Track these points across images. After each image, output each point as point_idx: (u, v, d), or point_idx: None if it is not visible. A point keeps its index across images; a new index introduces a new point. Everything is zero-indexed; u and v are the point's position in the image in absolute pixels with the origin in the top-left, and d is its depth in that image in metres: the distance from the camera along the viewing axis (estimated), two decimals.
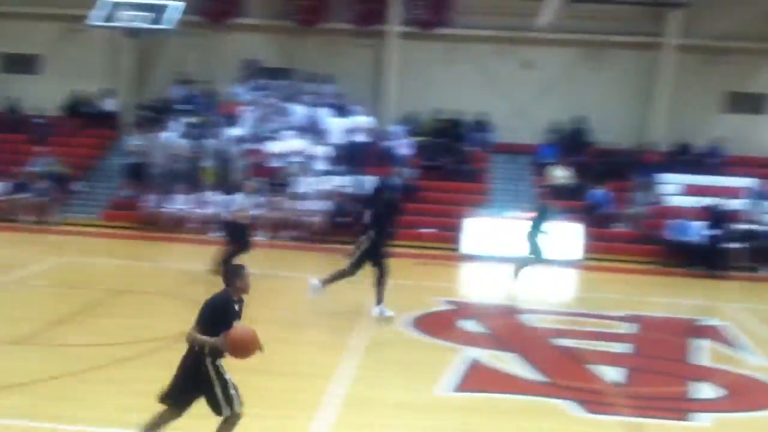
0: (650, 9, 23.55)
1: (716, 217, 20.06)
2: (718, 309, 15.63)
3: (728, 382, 10.38)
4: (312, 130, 22.51)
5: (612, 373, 10.43)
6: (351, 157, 21.89)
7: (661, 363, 11.49)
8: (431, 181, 22.08)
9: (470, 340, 11.80)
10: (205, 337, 6.18)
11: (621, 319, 13.80)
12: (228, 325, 6.18)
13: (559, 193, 21.68)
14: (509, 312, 14.01)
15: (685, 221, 20.02)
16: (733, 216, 20.37)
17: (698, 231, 19.83)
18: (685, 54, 23.53)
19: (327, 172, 21.33)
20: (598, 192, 21.31)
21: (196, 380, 6.32)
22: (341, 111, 23.17)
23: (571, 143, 23.46)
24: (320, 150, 21.91)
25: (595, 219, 20.63)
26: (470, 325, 12.77)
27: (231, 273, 6.52)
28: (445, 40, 24.62)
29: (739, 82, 23.94)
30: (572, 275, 18.75)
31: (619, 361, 11.14)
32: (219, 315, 6.26)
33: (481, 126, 24.02)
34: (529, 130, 23.87)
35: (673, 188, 22.15)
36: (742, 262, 19.63)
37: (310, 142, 22.05)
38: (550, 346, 11.94)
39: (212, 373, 6.30)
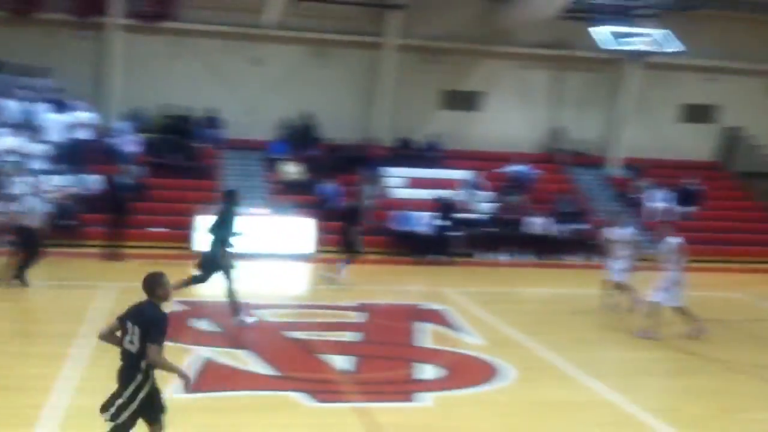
0: (372, 10, 24.46)
1: (445, 208, 21.37)
2: (440, 294, 16.63)
3: (449, 362, 11.07)
4: (28, 127, 21.01)
5: (342, 362, 10.76)
6: (72, 155, 20.72)
7: (387, 348, 12.04)
8: (160, 179, 21.45)
9: (203, 339, 11.66)
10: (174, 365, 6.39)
11: (351, 308, 14.28)
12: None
13: (291, 188, 22.00)
14: (240, 309, 13.97)
15: (410, 212, 21.12)
16: (456, 206, 21.80)
17: (422, 221, 21.01)
18: (405, 54, 24.69)
19: (46, 172, 20.01)
20: (328, 186, 21.86)
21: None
22: (60, 107, 21.83)
23: (300, 139, 23.85)
24: (37, 148, 20.52)
25: (326, 213, 21.14)
26: (203, 325, 12.61)
27: (152, 282, 6.29)
28: (171, 34, 23.96)
29: (454, 81, 25.55)
30: (305, 269, 19.08)
31: (348, 350, 11.51)
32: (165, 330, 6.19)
33: (211, 122, 23.72)
34: (260, 126, 23.93)
35: (397, 181, 23.28)
36: (461, 249, 21.08)
37: (25, 140, 20.57)
38: (281, 340, 12.09)
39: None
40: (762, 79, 26.77)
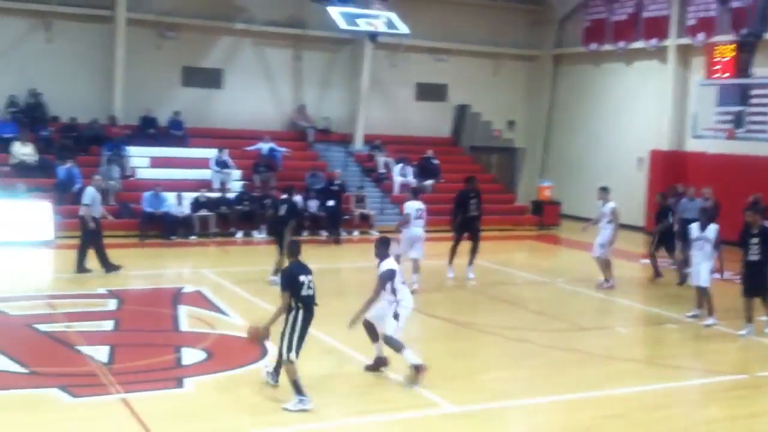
0: None
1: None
2: (195, 275, 16.30)
3: (210, 345, 10.91)
4: None
5: (99, 353, 10.25)
6: None
7: (145, 335, 11.63)
8: None
9: None
10: None
11: (104, 296, 13.60)
12: None
13: (23, 170, 20.44)
14: None
15: (158, 193, 20.42)
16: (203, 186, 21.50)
17: (171, 202, 20.42)
18: (138, 28, 23.55)
19: None
20: (65, 167, 20.55)
21: None
22: None
23: (31, 118, 22.18)
24: None
25: (66, 196, 19.89)
26: None
27: None
28: None
29: (194, 58, 24.90)
30: (46, 256, 17.84)
31: (105, 340, 11.00)
32: None
33: None
34: None
35: (141, 161, 22.39)
36: (213, 229, 20.77)
37: None
38: (29, 334, 11.26)
39: None
40: (486, 60, 28.73)
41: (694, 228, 13.23)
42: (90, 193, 15.51)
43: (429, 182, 24.72)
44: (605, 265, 16.04)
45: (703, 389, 10.37)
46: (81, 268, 15.25)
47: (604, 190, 16.49)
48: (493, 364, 10.89)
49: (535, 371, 10.60)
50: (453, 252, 16.53)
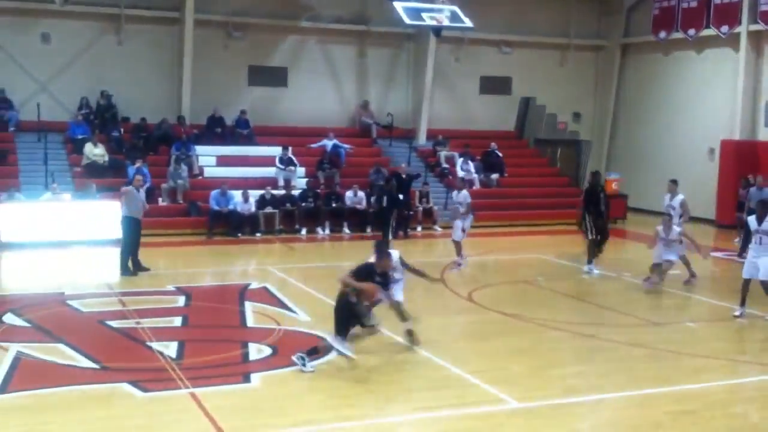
0: None
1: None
2: (262, 272, 16.50)
3: (275, 341, 11.02)
4: None
5: (168, 348, 10.46)
6: None
7: (212, 331, 11.83)
8: None
9: (12, 335, 10.94)
10: None
11: (173, 293, 13.88)
12: None
13: (96, 171, 20.98)
14: (53, 300, 13.24)
15: (225, 191, 20.75)
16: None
17: (239, 199, 20.72)
18: (206, 29, 24.02)
19: None
20: (135, 167, 21.00)
21: None
22: None
23: (102, 119, 22.77)
24: None
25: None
26: (11, 319, 11.83)
27: None
28: None
29: (260, 56, 25.24)
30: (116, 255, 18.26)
31: (174, 335, 11.22)
32: None
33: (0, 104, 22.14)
34: (58, 107, 22.65)
35: (208, 160, 22.77)
36: (278, 226, 21.01)
37: None
38: (100, 330, 11.56)
39: None
40: (551, 52, 28.39)
41: (752, 220, 12.81)
42: (130, 195, 15.42)
43: (494, 176, 24.58)
44: (685, 260, 15.60)
45: None
46: (128, 269, 15.38)
47: (673, 182, 16.13)
48: (559, 360, 10.75)
49: (602, 367, 10.44)
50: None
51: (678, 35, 25.94)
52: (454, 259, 16.61)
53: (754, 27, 23.65)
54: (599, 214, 16.51)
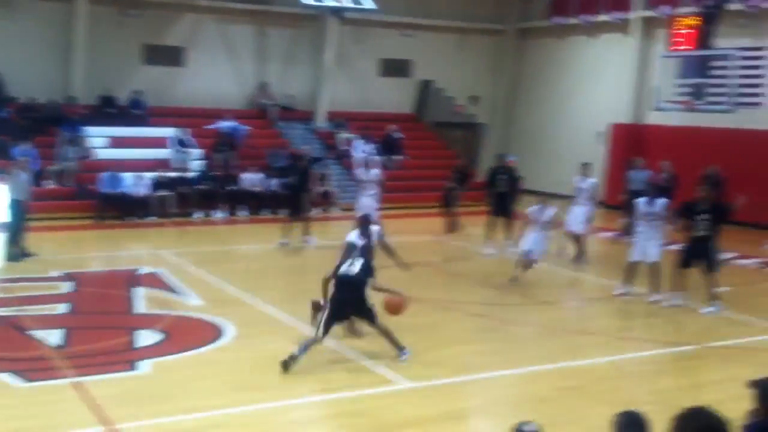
0: None
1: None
2: (155, 256, 16.14)
3: (167, 326, 10.81)
4: None
5: (52, 336, 10.14)
6: None
7: (102, 318, 11.53)
8: None
9: None
10: None
11: (59, 279, 13.44)
12: None
13: None
14: None
15: (116, 173, 20.19)
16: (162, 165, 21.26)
17: (131, 182, 20.19)
18: (99, 6, 23.27)
19: None
20: (23, 148, 20.20)
21: None
22: None
23: None
24: None
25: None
26: None
27: None
28: None
29: (155, 35, 24.58)
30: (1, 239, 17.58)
31: (59, 323, 10.88)
32: None
33: None
34: None
35: (100, 141, 22.10)
36: (172, 209, 20.57)
37: None
38: None
39: None
40: (451, 35, 28.64)
41: (642, 202, 13.22)
42: (14, 177, 14.89)
43: (396, 158, 24.73)
44: (582, 241, 16.07)
45: (654, 360, 10.50)
46: (15, 254, 14.82)
47: (586, 165, 16.50)
48: (451, 339, 10.91)
49: (492, 346, 10.68)
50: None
51: (573, 20, 26.55)
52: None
53: (645, 13, 24.41)
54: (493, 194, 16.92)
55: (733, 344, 10.88)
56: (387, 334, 9.58)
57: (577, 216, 15.98)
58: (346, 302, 9.45)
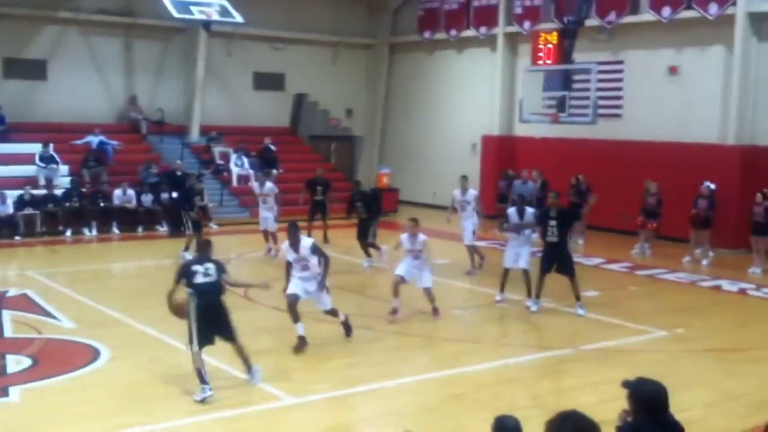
0: None
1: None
2: (20, 277, 15.42)
3: (35, 351, 10.34)
4: None
5: None
6: None
7: None
8: None
9: None
10: None
11: None
12: None
13: None
14: None
15: None
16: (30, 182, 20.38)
17: None
18: None
19: None
20: None
21: None
22: None
23: None
24: None
25: None
26: None
27: None
28: None
29: (15, 48, 23.52)
30: None
31: None
32: None
33: None
34: None
35: None
36: (40, 228, 19.71)
37: None
38: None
39: None
40: (323, 49, 28.72)
41: (512, 212, 13.71)
42: None
43: (274, 171, 24.56)
44: (474, 251, 16.39)
45: (534, 365, 10.81)
46: None
47: (465, 178, 16.80)
48: (335, 353, 10.88)
49: (376, 357, 10.71)
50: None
51: (441, 35, 27.12)
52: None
53: (509, 29, 25.18)
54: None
55: (606, 347, 11.32)
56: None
57: (465, 229, 16.26)
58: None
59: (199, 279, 8.99)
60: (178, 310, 9.17)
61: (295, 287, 10.70)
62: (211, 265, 9.15)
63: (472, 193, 16.58)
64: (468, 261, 16.47)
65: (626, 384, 4.86)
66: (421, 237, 12.39)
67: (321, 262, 10.70)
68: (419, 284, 12.57)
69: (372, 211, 17.31)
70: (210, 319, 8.93)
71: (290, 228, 10.82)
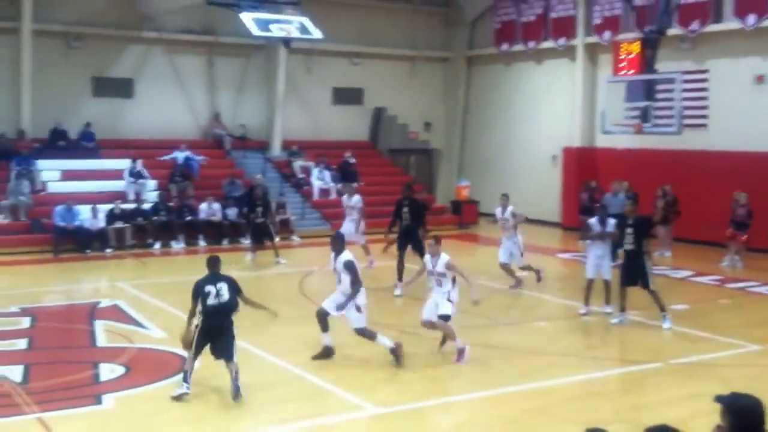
0: None
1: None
2: (113, 289, 15.92)
3: (128, 360, 10.66)
4: None
5: (12, 372, 9.92)
6: None
7: (62, 352, 11.32)
8: None
9: None
10: None
11: (16, 314, 13.17)
12: None
13: None
14: None
15: (70, 206, 19.90)
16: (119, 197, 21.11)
17: (86, 215, 19.94)
18: (45, 39, 22.96)
19: None
20: None
21: None
22: None
23: None
24: None
25: None
26: None
27: None
28: None
29: (103, 67, 24.33)
30: None
31: (19, 359, 10.67)
32: None
33: None
34: None
35: (52, 174, 21.78)
36: (130, 241, 20.34)
37: None
38: None
39: None
40: (400, 63, 28.92)
41: (594, 223, 13.54)
42: None
43: (354, 185, 24.78)
44: (512, 270, 15.89)
45: (620, 378, 10.65)
46: None
47: (506, 196, 16.00)
48: (416, 364, 10.91)
49: (459, 369, 10.69)
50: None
51: (519, 47, 27.01)
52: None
53: (589, 39, 24.93)
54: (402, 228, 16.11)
55: (695, 361, 11.07)
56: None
57: (503, 247, 15.74)
58: None
59: (211, 300, 9.10)
60: (185, 342, 9.27)
61: (328, 299, 10.66)
62: (223, 285, 9.22)
63: (510, 209, 15.74)
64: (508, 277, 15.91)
65: (720, 398, 4.73)
66: (444, 258, 10.98)
67: (352, 283, 10.34)
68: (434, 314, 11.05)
69: (417, 218, 16.22)
70: (212, 336, 9.12)
71: (332, 238, 10.86)
